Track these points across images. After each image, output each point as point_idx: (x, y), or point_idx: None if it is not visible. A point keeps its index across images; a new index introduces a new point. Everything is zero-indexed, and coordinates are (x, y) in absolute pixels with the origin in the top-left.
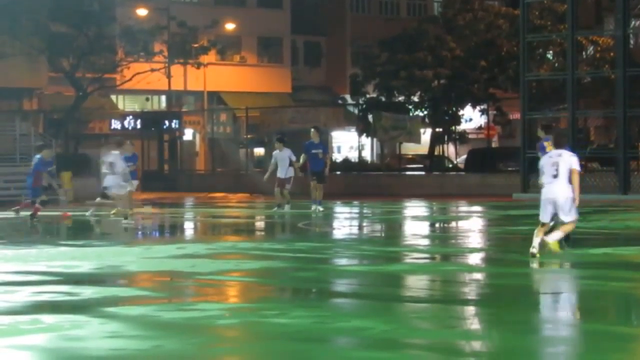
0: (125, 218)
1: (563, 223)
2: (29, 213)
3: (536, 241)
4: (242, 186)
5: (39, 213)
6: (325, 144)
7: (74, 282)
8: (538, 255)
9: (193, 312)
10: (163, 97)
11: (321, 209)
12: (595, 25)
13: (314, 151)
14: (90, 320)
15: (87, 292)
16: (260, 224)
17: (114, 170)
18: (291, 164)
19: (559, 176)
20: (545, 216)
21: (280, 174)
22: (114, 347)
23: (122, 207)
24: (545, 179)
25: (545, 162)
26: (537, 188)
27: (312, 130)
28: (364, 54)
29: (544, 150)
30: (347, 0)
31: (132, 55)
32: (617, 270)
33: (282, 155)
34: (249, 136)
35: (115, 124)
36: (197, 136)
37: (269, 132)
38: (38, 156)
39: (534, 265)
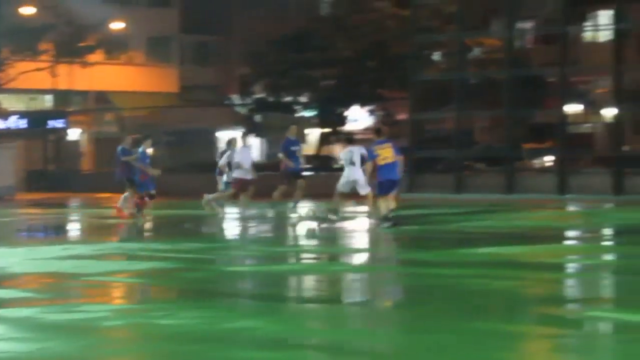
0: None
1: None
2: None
3: None
4: None
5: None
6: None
7: None
8: None
9: (79, 314)
10: (49, 97)
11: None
12: (482, 27)
13: (293, 148)
14: None
15: None
16: (147, 224)
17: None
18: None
19: None
20: None
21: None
22: None
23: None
24: None
25: None
26: (424, 187)
27: (292, 126)
28: (252, 54)
29: (372, 154)
30: (237, 0)
31: (17, 54)
32: (501, 269)
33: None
34: (136, 136)
35: None
36: (84, 136)
37: (157, 132)
38: (140, 149)
39: (419, 264)
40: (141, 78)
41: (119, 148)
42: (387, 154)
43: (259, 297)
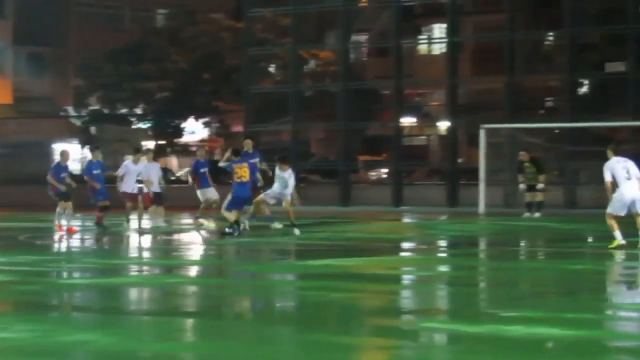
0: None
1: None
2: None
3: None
4: None
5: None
6: (262, 153)
7: None
8: None
9: None
10: None
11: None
12: (317, 39)
13: (251, 161)
14: None
15: None
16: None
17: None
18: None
19: (631, 178)
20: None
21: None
22: None
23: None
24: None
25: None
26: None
27: (247, 140)
28: (88, 66)
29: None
30: (72, 11)
31: None
32: (337, 281)
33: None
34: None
35: None
36: None
37: None
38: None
39: (256, 277)
40: None
41: (54, 164)
42: (243, 173)
43: (95, 310)
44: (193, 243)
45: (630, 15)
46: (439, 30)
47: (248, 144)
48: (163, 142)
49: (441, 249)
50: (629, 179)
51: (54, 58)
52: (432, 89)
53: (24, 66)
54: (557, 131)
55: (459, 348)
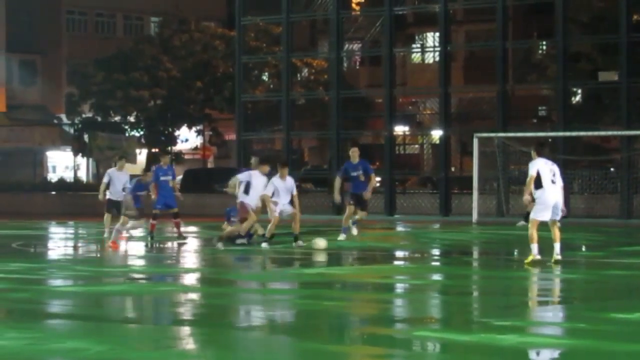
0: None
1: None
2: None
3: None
4: None
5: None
6: (367, 163)
7: None
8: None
9: None
10: None
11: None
12: (309, 48)
13: (354, 174)
14: None
15: None
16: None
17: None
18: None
19: (556, 182)
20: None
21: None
22: None
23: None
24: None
25: (543, 168)
26: None
27: (352, 149)
28: (80, 73)
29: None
30: (63, 19)
31: None
32: (331, 290)
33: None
34: None
35: None
36: None
37: None
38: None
39: (251, 285)
40: None
41: (136, 181)
42: None
43: (87, 317)
44: (188, 251)
45: (622, 24)
46: (432, 38)
47: (354, 153)
48: (156, 150)
49: (434, 257)
50: (554, 182)
51: (46, 65)
52: (425, 97)
53: (16, 74)
54: (550, 140)
55: (451, 357)
